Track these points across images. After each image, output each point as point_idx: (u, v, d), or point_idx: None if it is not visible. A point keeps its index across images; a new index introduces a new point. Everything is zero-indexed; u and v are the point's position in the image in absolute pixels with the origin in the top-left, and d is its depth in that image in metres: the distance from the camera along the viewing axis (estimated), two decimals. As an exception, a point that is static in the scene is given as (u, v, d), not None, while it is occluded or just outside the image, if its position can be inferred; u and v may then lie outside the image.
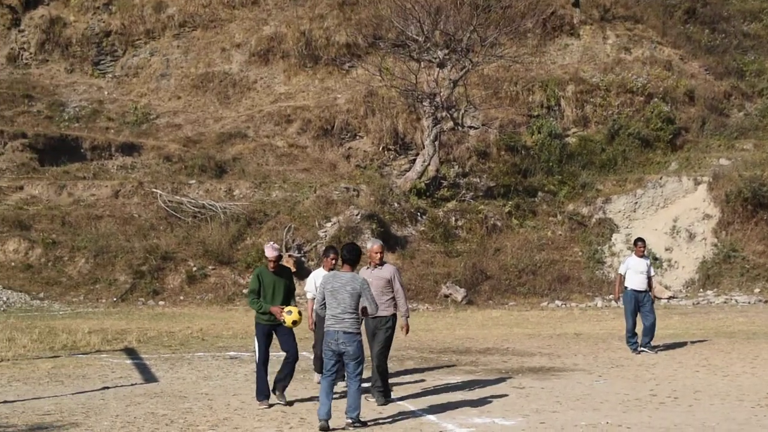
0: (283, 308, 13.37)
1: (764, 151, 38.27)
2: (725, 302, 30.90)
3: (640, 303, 20.09)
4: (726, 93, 42.82)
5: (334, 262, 15.03)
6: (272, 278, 13.81)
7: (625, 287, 20.26)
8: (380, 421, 12.87)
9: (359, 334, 12.44)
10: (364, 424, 12.37)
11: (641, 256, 20.36)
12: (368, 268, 14.46)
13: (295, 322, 13.48)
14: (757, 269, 33.23)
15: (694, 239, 34.31)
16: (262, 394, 13.83)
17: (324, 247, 18.23)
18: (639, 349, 19.87)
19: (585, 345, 21.29)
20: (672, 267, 33.51)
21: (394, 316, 14.39)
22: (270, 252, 13.79)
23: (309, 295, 15.85)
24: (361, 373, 12.46)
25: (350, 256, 12.74)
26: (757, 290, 32.16)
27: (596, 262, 33.66)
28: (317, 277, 15.34)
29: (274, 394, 13.99)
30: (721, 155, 38.13)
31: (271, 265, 13.83)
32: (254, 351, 14.01)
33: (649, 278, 20.29)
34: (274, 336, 14.04)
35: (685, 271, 33.04)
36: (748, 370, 17.62)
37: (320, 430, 12.09)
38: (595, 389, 15.65)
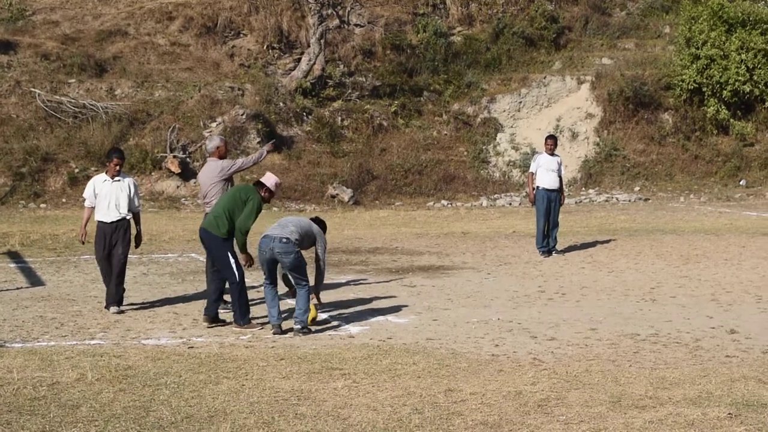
0: None
1: (645, 50, 38.83)
2: (606, 200, 31.51)
3: (551, 202, 19.38)
4: (608, -8, 43.15)
5: (118, 168, 13.82)
6: None
7: (536, 186, 19.45)
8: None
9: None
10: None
11: (552, 154, 19.53)
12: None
13: None
14: (637, 168, 33.91)
15: (576, 138, 34.79)
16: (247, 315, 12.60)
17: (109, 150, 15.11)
18: (553, 252, 19.44)
19: (473, 243, 21.53)
20: (555, 166, 33.97)
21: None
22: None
23: (87, 203, 14.14)
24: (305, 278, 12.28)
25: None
26: (637, 188, 32.85)
27: (481, 162, 33.91)
28: (96, 183, 13.96)
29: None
30: (604, 54, 38.56)
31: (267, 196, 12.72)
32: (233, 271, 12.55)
33: (560, 177, 19.61)
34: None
35: (567, 170, 33.21)
36: (632, 265, 18.06)
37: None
38: (485, 286, 15.88)
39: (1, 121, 31.36)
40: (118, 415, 8.46)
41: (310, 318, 12.23)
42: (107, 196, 13.74)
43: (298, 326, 12.07)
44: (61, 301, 14.37)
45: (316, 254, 12.56)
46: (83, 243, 14.79)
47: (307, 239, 12.31)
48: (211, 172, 13.76)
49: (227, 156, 14.20)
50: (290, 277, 12.27)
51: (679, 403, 8.83)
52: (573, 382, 9.62)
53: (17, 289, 15.48)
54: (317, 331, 12.23)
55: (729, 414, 8.44)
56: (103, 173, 14.03)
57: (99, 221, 13.83)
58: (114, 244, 13.75)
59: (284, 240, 12.00)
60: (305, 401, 8.96)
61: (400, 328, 12.44)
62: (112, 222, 13.74)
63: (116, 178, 13.77)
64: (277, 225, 12.27)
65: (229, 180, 13.76)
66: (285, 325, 12.20)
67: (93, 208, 13.92)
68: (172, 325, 12.66)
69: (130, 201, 13.83)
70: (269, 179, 12.71)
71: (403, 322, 12.84)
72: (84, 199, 14.29)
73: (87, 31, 36.97)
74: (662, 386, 9.43)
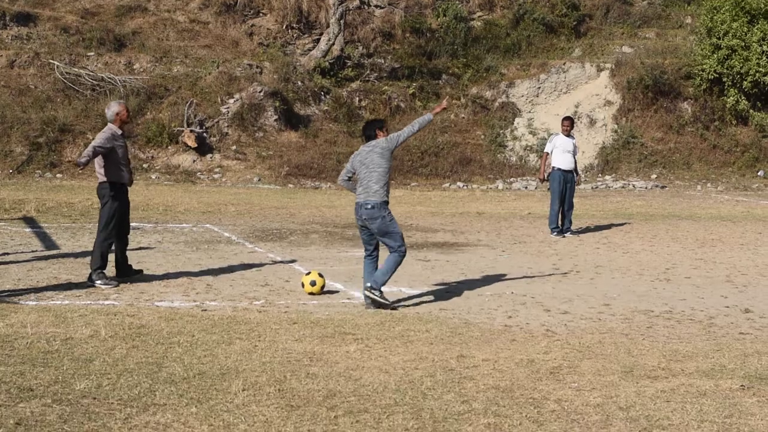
0: None
1: (666, 39, 38.69)
2: (623, 187, 31.44)
3: (567, 183, 19.31)
4: (630, -19, 43.02)
5: None
6: None
7: (553, 167, 19.41)
8: (285, 289, 12.87)
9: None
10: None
11: (568, 135, 19.44)
12: None
13: None
14: (655, 155, 33.82)
15: (594, 125, 34.69)
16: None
17: None
18: (565, 234, 19.32)
19: (487, 223, 21.49)
20: (572, 152, 33.91)
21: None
22: None
23: None
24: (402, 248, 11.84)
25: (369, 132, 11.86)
26: (654, 176, 32.75)
27: (498, 146, 33.86)
28: None
29: None
30: (624, 43, 38.46)
31: None
32: None
33: (575, 159, 19.59)
34: None
35: (585, 156, 33.42)
36: (647, 247, 18.00)
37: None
38: (499, 263, 15.84)
39: (19, 92, 31.41)
40: (131, 370, 8.47)
41: (319, 287, 12.23)
42: None
43: (369, 284, 11.69)
44: (75, 264, 14.38)
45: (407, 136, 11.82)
46: None
47: (389, 165, 11.70)
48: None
49: (128, 122, 13.42)
50: (382, 243, 11.83)
51: (692, 375, 8.79)
52: (586, 352, 9.59)
53: (32, 251, 15.51)
54: (330, 300, 12.22)
55: (741, 386, 8.40)
56: None
57: None
58: None
59: (368, 206, 11.57)
60: (317, 362, 8.95)
61: (413, 298, 12.42)
62: None
63: None
64: (360, 188, 11.64)
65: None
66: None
67: None
68: (186, 290, 12.66)
69: None
70: None
71: (416, 293, 12.82)
72: None
73: (107, 6, 37.03)
74: (675, 359, 9.39)
